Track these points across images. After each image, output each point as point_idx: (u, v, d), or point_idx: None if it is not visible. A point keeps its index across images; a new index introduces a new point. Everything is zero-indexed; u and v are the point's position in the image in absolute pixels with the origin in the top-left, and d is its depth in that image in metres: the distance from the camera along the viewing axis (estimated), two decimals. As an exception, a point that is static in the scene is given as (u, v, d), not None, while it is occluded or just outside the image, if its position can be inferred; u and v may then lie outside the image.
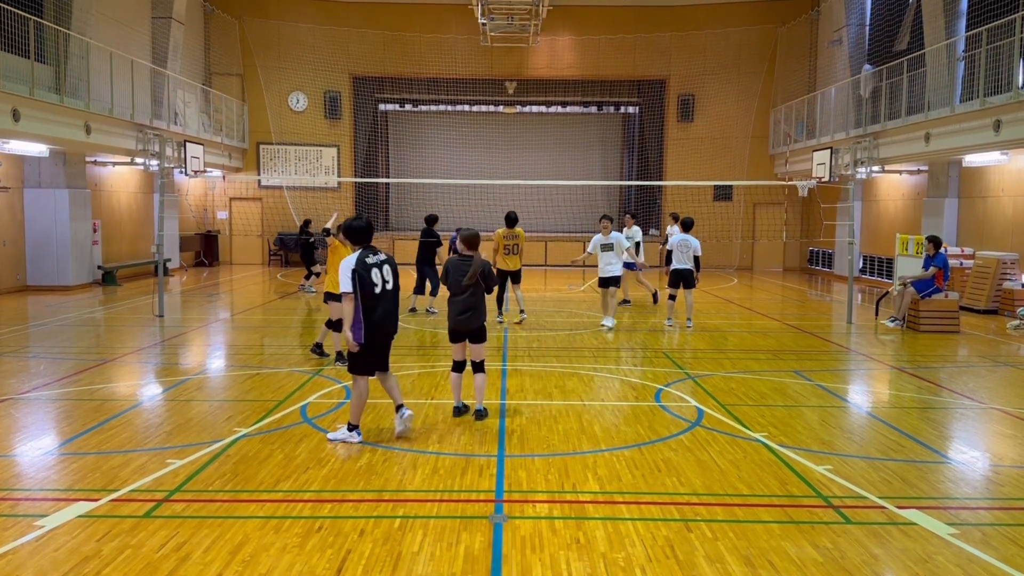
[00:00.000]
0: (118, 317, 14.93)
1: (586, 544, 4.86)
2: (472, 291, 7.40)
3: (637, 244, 15.79)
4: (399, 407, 7.01)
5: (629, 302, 16.50)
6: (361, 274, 6.55)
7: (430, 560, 4.62)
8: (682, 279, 13.50)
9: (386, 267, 6.72)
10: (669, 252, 13.95)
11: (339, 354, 9.91)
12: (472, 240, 7.48)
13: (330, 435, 6.92)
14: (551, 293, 19.15)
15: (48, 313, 14.86)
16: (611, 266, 13.14)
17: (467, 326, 7.48)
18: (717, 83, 27.25)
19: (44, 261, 18.41)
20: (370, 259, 6.65)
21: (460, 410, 7.69)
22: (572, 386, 9.17)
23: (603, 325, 13.36)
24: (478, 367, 7.65)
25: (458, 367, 7.67)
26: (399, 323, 7.08)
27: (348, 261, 6.60)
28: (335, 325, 9.78)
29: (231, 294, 19.11)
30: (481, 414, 7.61)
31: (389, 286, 6.72)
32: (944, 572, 4.54)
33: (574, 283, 21.60)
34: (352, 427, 6.85)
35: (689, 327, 13.51)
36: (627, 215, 17.25)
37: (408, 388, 8.83)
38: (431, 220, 14.94)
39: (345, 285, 6.54)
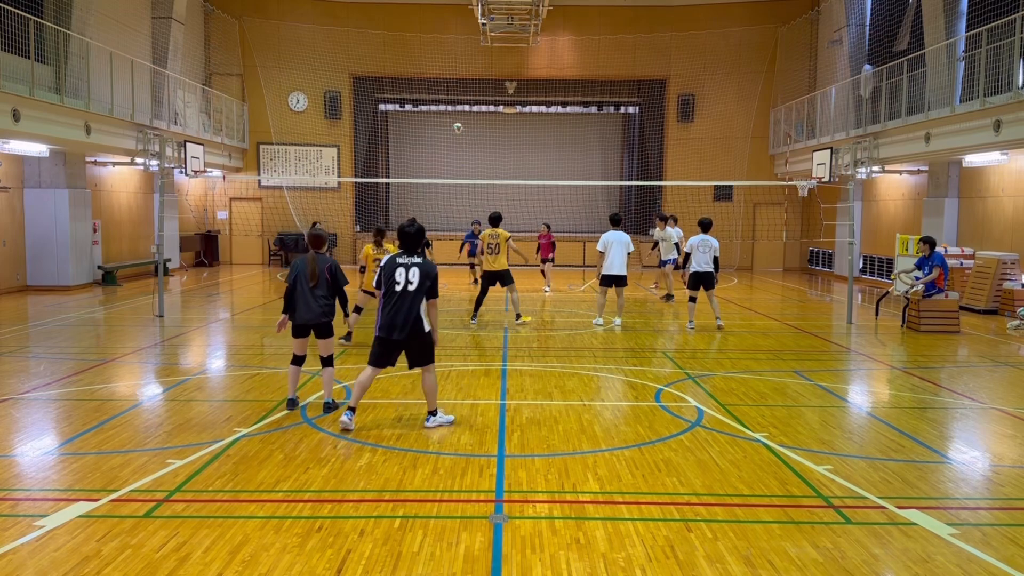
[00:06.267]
0: (118, 317, 14.93)
1: (586, 544, 4.86)
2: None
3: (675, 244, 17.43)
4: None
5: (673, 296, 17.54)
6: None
7: (430, 560, 4.62)
8: (702, 281, 13.44)
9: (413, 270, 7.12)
10: (687, 254, 13.75)
11: None
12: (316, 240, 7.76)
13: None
14: (552, 293, 19.13)
15: (48, 313, 14.85)
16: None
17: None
18: (717, 83, 27.24)
19: (44, 261, 18.41)
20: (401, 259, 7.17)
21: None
22: (572, 386, 9.17)
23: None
24: (327, 361, 7.84)
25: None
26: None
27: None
28: None
29: (231, 294, 19.10)
30: (329, 407, 7.75)
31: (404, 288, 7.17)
32: (944, 572, 4.54)
33: (574, 283, 21.60)
34: None
35: (720, 327, 13.42)
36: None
37: (408, 388, 8.82)
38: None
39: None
